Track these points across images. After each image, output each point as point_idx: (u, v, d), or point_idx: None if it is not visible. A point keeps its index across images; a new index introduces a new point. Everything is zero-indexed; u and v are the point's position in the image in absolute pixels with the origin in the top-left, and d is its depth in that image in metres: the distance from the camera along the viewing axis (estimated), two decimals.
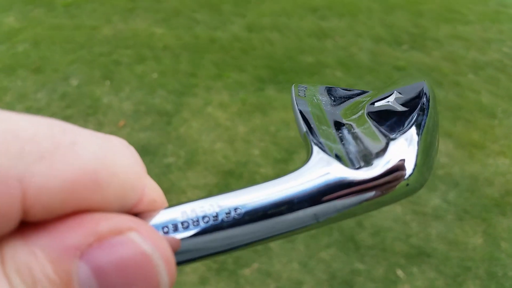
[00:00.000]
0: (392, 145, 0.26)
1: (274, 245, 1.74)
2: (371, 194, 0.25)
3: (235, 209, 0.22)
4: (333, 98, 0.35)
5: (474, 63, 2.86)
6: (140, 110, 2.42)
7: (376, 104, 0.31)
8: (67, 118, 2.36)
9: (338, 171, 0.24)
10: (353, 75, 2.72)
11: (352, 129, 0.30)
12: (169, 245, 0.20)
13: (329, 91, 0.37)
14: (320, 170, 0.24)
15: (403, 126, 0.27)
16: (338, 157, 0.25)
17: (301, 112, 0.31)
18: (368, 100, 0.32)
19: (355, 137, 0.28)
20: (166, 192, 1.93)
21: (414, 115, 0.28)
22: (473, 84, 2.66)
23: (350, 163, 0.25)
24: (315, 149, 0.26)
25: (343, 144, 0.28)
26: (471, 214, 1.89)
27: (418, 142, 0.26)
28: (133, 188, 0.20)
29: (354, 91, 0.37)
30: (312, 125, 0.29)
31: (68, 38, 3.13)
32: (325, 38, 3.13)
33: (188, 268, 1.65)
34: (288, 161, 2.12)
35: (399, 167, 0.25)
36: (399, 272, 1.67)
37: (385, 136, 0.27)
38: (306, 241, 1.76)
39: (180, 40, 3.10)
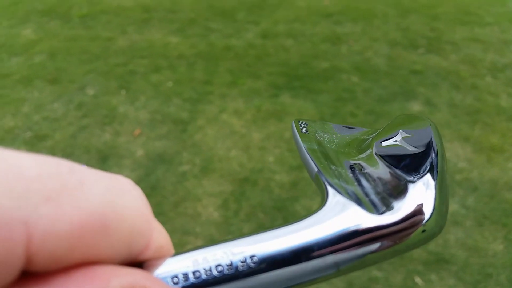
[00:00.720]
0: (412, 188, 0.25)
1: None
2: (394, 240, 0.24)
3: (251, 257, 0.21)
4: (334, 136, 0.34)
5: (492, 65, 2.82)
6: (156, 119, 2.44)
7: (384, 143, 0.30)
8: (83, 128, 2.39)
9: (360, 216, 0.23)
10: (369, 80, 2.70)
11: (363, 169, 0.29)
12: None
13: (329, 127, 0.36)
14: (340, 214, 0.23)
15: (420, 168, 0.27)
16: (356, 199, 0.24)
17: (309, 150, 0.30)
18: (372, 138, 0.32)
19: (369, 178, 0.27)
20: (182, 200, 1.94)
21: (429, 158, 0.27)
22: (491, 87, 2.61)
23: (371, 206, 0.24)
24: (331, 191, 0.25)
25: (358, 185, 0.26)
26: (490, 219, 1.85)
27: (435, 185, 0.26)
28: (141, 233, 0.19)
29: (353, 128, 0.36)
30: (323, 165, 0.28)
31: (84, 49, 3.17)
32: (340, 43, 3.12)
33: None
34: (303, 168, 2.10)
35: (420, 211, 0.24)
36: (418, 279, 1.64)
37: (403, 178, 0.26)
38: None
39: (195, 49, 3.11)
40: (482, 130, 2.28)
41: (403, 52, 2.98)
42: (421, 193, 0.25)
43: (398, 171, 0.27)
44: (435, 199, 0.25)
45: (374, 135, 0.32)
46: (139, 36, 3.31)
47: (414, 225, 0.24)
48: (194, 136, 2.31)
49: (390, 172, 0.27)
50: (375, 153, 0.29)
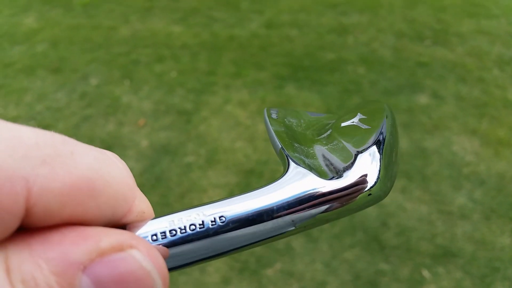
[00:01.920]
0: (359, 159, 0.29)
1: (296, 245, 1.71)
2: (342, 201, 0.27)
3: (220, 217, 0.24)
4: (302, 120, 0.38)
5: (499, 58, 2.79)
6: (160, 109, 2.42)
7: (342, 123, 0.34)
8: (87, 118, 2.37)
9: (314, 182, 0.27)
10: (375, 71, 2.68)
11: (322, 146, 0.32)
12: (162, 257, 0.21)
13: (299, 114, 0.40)
14: (298, 181, 0.27)
15: (367, 142, 0.30)
16: (312, 170, 0.28)
17: (275, 131, 0.33)
18: (334, 122, 0.35)
19: (326, 152, 0.31)
20: (187, 191, 1.93)
21: (378, 134, 0.31)
22: (498, 80, 2.59)
23: (324, 175, 0.28)
24: (292, 163, 0.28)
25: (316, 159, 0.30)
26: (498, 213, 1.84)
27: (380, 157, 0.29)
28: (124, 198, 0.21)
29: (321, 115, 0.41)
30: (286, 142, 0.32)
31: (86, 38, 3.14)
32: (345, 34, 3.09)
33: (211, 268, 1.64)
34: None
35: (364, 179, 0.28)
36: (425, 273, 1.63)
37: (353, 150, 0.30)
38: (330, 241, 1.73)
39: (198, 39, 3.09)
40: (490, 123, 2.27)
41: (409, 44, 2.95)
42: (367, 163, 0.29)
43: (350, 146, 0.31)
44: (379, 168, 0.29)
45: (336, 119, 0.36)
46: (142, 25, 3.28)
47: (359, 190, 0.27)
48: (198, 127, 2.29)
49: (342, 147, 0.31)
50: (333, 132, 0.34)
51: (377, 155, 0.29)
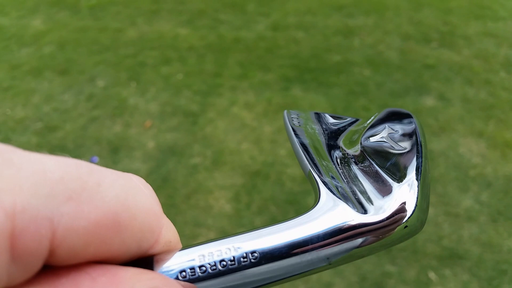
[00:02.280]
0: (396, 189, 0.27)
1: None
2: (378, 236, 0.26)
3: (252, 252, 0.23)
4: (324, 126, 0.36)
5: (506, 60, 2.78)
6: (166, 111, 2.43)
7: (371, 139, 0.32)
8: (94, 119, 2.38)
9: (349, 214, 0.25)
10: (381, 73, 2.68)
11: (352, 166, 0.30)
12: None
13: (320, 118, 0.37)
14: (331, 213, 0.25)
15: (404, 169, 0.29)
16: (345, 198, 0.26)
17: (301, 145, 0.32)
18: (360, 131, 0.33)
19: (358, 176, 0.29)
20: (194, 192, 1.93)
21: (413, 158, 0.29)
22: (505, 82, 2.58)
23: (358, 205, 0.26)
24: (323, 189, 0.27)
25: (348, 183, 0.29)
26: (505, 215, 1.83)
27: (418, 186, 0.28)
28: (151, 229, 0.20)
29: (344, 119, 0.38)
30: (315, 161, 0.30)
31: (94, 40, 3.16)
32: (352, 36, 3.09)
33: None
34: None
35: (403, 211, 0.26)
36: (431, 275, 1.63)
37: (388, 178, 0.28)
38: None
39: (204, 41, 3.10)
40: (496, 126, 2.26)
41: (415, 46, 2.95)
42: (404, 194, 0.27)
43: (383, 171, 0.29)
44: (417, 199, 0.27)
45: (362, 127, 0.34)
46: (149, 27, 3.30)
47: (396, 223, 0.26)
48: (204, 129, 2.30)
49: (376, 172, 0.29)
50: (362, 149, 0.31)
51: (415, 186, 0.28)
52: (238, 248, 0.23)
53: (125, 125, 2.34)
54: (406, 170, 0.28)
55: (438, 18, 3.28)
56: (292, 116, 0.36)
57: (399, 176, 0.28)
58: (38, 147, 2.22)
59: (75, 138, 2.27)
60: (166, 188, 1.98)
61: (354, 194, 0.27)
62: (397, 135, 0.32)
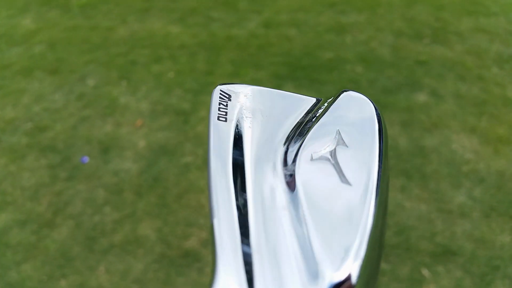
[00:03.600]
0: (332, 267, 0.20)
1: None
2: None
3: None
4: (266, 117, 0.28)
5: (498, 56, 2.78)
6: (157, 110, 2.41)
7: (314, 155, 0.24)
8: (84, 119, 2.36)
9: None
10: (374, 70, 2.67)
11: (276, 213, 0.23)
12: None
13: (265, 101, 0.28)
14: None
15: (347, 237, 0.21)
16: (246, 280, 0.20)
17: (212, 180, 0.24)
18: (303, 141, 0.26)
19: (279, 236, 0.21)
20: (185, 191, 1.92)
21: (363, 207, 0.21)
22: (497, 78, 2.58)
23: None
24: (221, 274, 0.20)
25: (261, 254, 0.21)
26: (498, 211, 1.83)
27: (362, 259, 0.21)
28: None
29: (298, 103, 0.29)
30: (224, 203, 0.23)
31: (84, 39, 3.13)
32: (344, 33, 3.08)
33: (209, 269, 1.63)
34: None
35: None
36: (425, 272, 1.62)
37: (321, 249, 0.21)
38: None
39: (196, 39, 3.08)
40: (489, 122, 2.26)
41: (408, 43, 2.94)
42: (341, 277, 0.20)
43: (317, 232, 0.21)
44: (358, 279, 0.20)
45: (310, 124, 0.26)
46: (140, 26, 3.27)
47: None
48: (196, 127, 2.28)
49: (307, 233, 0.21)
50: (295, 178, 0.23)
51: (358, 263, 0.20)
52: None
53: (116, 124, 2.32)
54: (349, 235, 0.21)
55: (431, 14, 3.28)
56: (223, 100, 0.27)
57: (338, 247, 0.20)
58: (28, 148, 2.20)
59: (65, 138, 2.25)
60: (157, 188, 1.96)
61: (265, 272, 0.20)
62: (347, 155, 0.24)
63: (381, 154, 0.24)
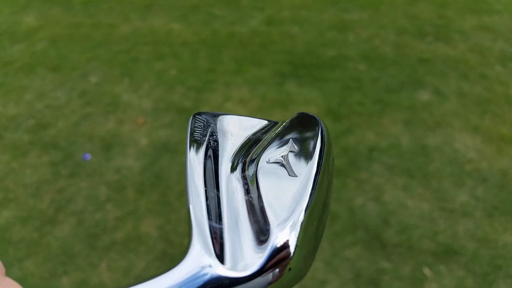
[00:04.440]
0: (274, 237, 0.25)
1: None
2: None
3: None
4: (230, 137, 0.34)
5: (501, 54, 2.77)
6: (160, 107, 2.40)
7: (270, 159, 0.30)
8: (87, 116, 2.36)
9: (216, 273, 0.24)
10: (376, 68, 2.66)
11: (240, 196, 0.29)
12: None
13: (229, 124, 0.36)
14: (197, 273, 0.24)
15: (290, 207, 0.27)
16: (218, 248, 0.25)
17: (189, 179, 0.31)
18: (263, 147, 0.31)
19: (240, 213, 0.28)
20: None
21: (303, 192, 0.27)
22: (501, 77, 2.57)
23: (230, 258, 0.25)
24: (195, 243, 0.26)
25: (227, 226, 0.27)
26: (500, 210, 1.83)
27: (299, 231, 0.26)
28: None
29: (259, 124, 0.36)
30: (198, 194, 0.29)
31: (86, 36, 3.13)
32: (346, 31, 3.07)
33: None
34: None
35: (282, 257, 0.25)
36: (426, 271, 1.62)
37: (272, 219, 0.26)
38: (330, 239, 1.71)
39: (198, 36, 3.07)
40: (492, 120, 2.25)
41: (411, 40, 2.93)
42: (281, 240, 0.25)
43: (269, 208, 0.27)
44: (296, 245, 0.25)
45: (268, 138, 0.32)
46: (142, 23, 3.27)
47: (274, 269, 0.25)
48: None
49: (261, 208, 0.27)
50: (257, 173, 0.30)
51: (297, 229, 0.26)
52: None
53: (118, 121, 2.32)
54: (292, 209, 0.26)
55: (434, 12, 3.26)
56: (196, 124, 0.35)
57: (283, 218, 0.26)
58: (30, 145, 2.20)
59: (67, 135, 2.25)
60: (160, 186, 1.96)
61: (231, 241, 0.26)
62: (297, 155, 0.30)
63: (321, 156, 0.30)
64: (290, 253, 0.25)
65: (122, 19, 3.33)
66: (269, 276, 0.25)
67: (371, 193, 1.89)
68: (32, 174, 2.05)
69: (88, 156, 2.11)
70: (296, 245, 0.26)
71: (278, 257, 0.25)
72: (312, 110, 2.35)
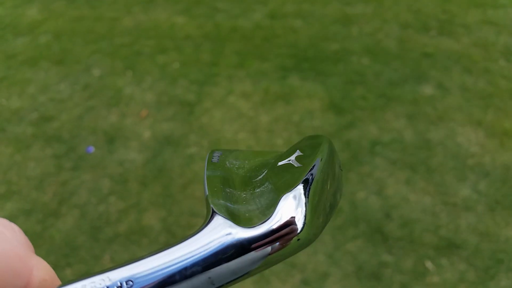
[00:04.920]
0: (283, 201, 0.26)
1: None
2: (262, 252, 0.25)
3: (127, 281, 0.23)
4: (246, 162, 0.36)
5: (505, 48, 2.76)
6: (162, 101, 2.41)
7: (279, 163, 0.32)
8: (90, 109, 2.36)
9: (232, 232, 0.25)
10: (380, 62, 2.65)
11: (254, 189, 0.30)
12: None
13: (245, 155, 0.38)
14: (213, 234, 0.25)
15: (294, 183, 0.28)
16: (236, 217, 0.26)
17: (208, 177, 0.32)
18: (273, 161, 0.33)
19: (255, 196, 0.29)
20: (190, 182, 1.92)
21: (306, 172, 0.29)
22: (504, 71, 2.56)
23: (248, 222, 0.26)
24: (213, 212, 0.27)
25: (244, 204, 0.28)
26: (502, 204, 1.83)
27: (306, 198, 0.27)
28: (16, 274, 0.20)
29: (271, 154, 0.38)
30: (215, 189, 0.30)
31: (89, 30, 3.13)
32: (350, 25, 3.06)
33: None
34: None
35: (288, 223, 0.26)
36: (428, 264, 1.62)
37: (278, 193, 0.28)
38: (332, 233, 1.72)
39: (201, 30, 3.07)
40: (495, 115, 2.24)
41: (414, 35, 2.92)
42: (291, 206, 0.26)
43: (277, 187, 0.29)
44: (305, 211, 0.26)
45: (277, 158, 0.34)
46: (145, 16, 3.27)
47: (286, 236, 0.25)
48: (201, 118, 2.28)
49: (271, 189, 0.29)
50: (268, 173, 0.32)
51: (303, 197, 0.27)
52: (113, 278, 0.23)
53: (121, 115, 2.32)
54: (295, 185, 0.28)
55: (437, 6, 3.25)
56: (214, 154, 0.37)
57: (287, 191, 0.27)
58: (33, 138, 2.21)
59: (71, 128, 2.25)
60: (162, 178, 1.96)
61: (246, 212, 0.27)
62: (302, 156, 0.32)
63: (325, 149, 0.33)
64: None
65: (125, 12, 3.33)
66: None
67: (373, 187, 1.90)
68: (36, 167, 2.06)
69: (92, 149, 2.11)
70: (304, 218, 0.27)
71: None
72: (315, 104, 2.35)
